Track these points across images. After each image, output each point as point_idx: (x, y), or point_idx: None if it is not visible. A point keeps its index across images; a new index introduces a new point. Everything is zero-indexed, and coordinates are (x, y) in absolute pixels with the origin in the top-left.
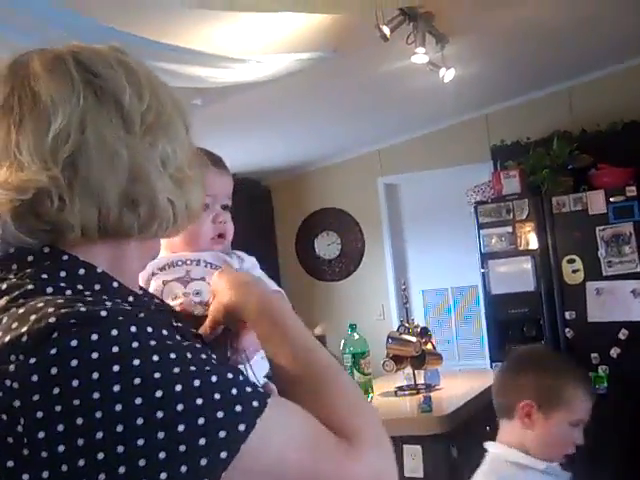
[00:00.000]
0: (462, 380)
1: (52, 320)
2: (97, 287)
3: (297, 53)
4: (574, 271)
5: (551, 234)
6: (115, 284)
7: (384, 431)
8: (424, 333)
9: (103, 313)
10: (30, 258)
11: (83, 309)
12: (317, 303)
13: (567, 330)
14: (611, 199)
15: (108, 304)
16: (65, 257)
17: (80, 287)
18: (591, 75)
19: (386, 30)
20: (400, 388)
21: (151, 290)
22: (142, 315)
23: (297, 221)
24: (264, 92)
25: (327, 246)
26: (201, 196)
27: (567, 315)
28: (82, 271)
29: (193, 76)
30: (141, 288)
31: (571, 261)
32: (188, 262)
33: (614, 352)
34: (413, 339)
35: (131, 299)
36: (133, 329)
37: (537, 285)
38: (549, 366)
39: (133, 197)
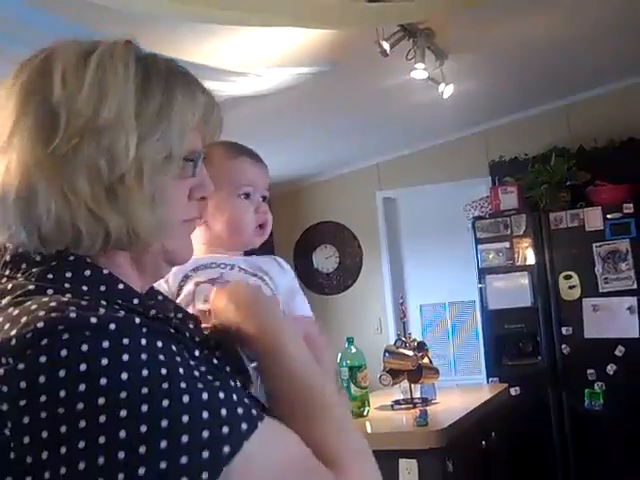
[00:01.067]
0: (458, 395)
1: (40, 325)
2: (102, 288)
3: (297, 67)
4: (571, 287)
5: (548, 250)
6: (121, 286)
7: (375, 466)
8: (421, 347)
9: (93, 320)
10: (38, 258)
11: (73, 315)
12: (315, 316)
13: (563, 346)
14: (608, 216)
15: (102, 310)
16: (71, 257)
17: (85, 288)
18: (589, 92)
19: (386, 46)
20: (397, 402)
21: (184, 293)
22: (137, 322)
23: (295, 234)
24: (264, 105)
25: (325, 259)
26: (152, 220)
27: (564, 331)
28: (88, 272)
29: None
30: (155, 294)
31: (568, 277)
32: (222, 265)
33: (610, 369)
34: (410, 353)
35: (136, 302)
36: (125, 341)
37: (534, 301)
38: None
39: (25, 213)
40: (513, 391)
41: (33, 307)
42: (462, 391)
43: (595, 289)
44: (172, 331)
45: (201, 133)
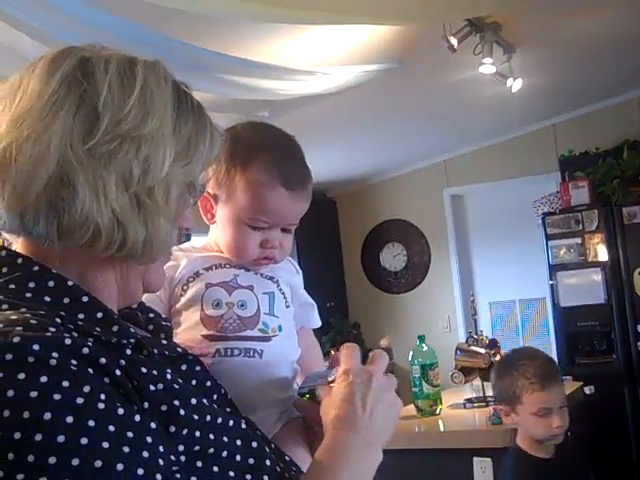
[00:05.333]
0: None
1: None
2: (66, 300)
3: (364, 65)
4: None
5: (622, 245)
6: (85, 298)
7: None
8: (493, 345)
9: (36, 348)
10: (5, 270)
11: (17, 340)
12: (383, 315)
13: (639, 344)
14: None
15: (48, 333)
16: (36, 268)
17: (48, 299)
18: None
19: (454, 41)
20: (469, 400)
21: (192, 292)
22: (57, 356)
23: (363, 233)
24: (331, 104)
25: (393, 258)
26: (166, 236)
27: (639, 328)
28: (52, 283)
29: (263, 89)
30: (138, 307)
31: None
32: (237, 267)
33: None
34: (482, 351)
35: (100, 315)
36: (43, 379)
37: (607, 297)
38: (503, 367)
39: (52, 201)
40: (587, 390)
41: None
42: None
43: None
44: (119, 358)
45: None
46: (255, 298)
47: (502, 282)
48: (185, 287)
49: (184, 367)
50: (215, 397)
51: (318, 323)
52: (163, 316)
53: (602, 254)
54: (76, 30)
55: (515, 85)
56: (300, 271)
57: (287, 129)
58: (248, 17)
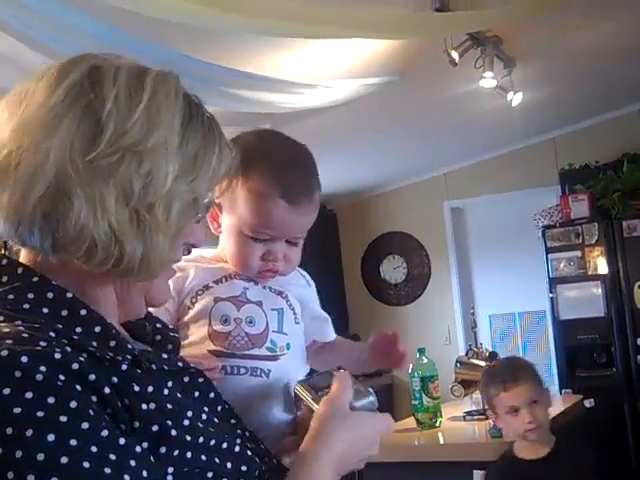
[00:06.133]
0: None
1: None
2: (64, 313)
3: (365, 78)
4: None
5: (622, 258)
6: (84, 312)
7: None
8: (493, 357)
9: (24, 360)
10: (5, 279)
11: (4, 353)
12: (382, 327)
13: (639, 357)
14: None
15: (38, 347)
16: (36, 279)
17: (46, 311)
18: None
19: (455, 55)
20: (469, 413)
21: (200, 305)
22: (74, 367)
23: (363, 245)
24: (332, 117)
25: (393, 270)
26: (165, 253)
27: (639, 341)
28: (51, 295)
29: (264, 101)
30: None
31: None
32: (247, 278)
33: None
34: (482, 364)
35: (97, 329)
36: (28, 395)
37: (607, 310)
38: (482, 379)
39: (48, 212)
40: (587, 403)
41: None
42: None
43: None
44: (113, 374)
45: (218, 183)
46: (264, 315)
47: (502, 295)
48: (194, 300)
49: (186, 379)
50: (219, 409)
51: (332, 336)
52: (170, 327)
53: (602, 267)
54: (77, 43)
55: (515, 99)
56: (312, 283)
57: None
58: (249, 31)
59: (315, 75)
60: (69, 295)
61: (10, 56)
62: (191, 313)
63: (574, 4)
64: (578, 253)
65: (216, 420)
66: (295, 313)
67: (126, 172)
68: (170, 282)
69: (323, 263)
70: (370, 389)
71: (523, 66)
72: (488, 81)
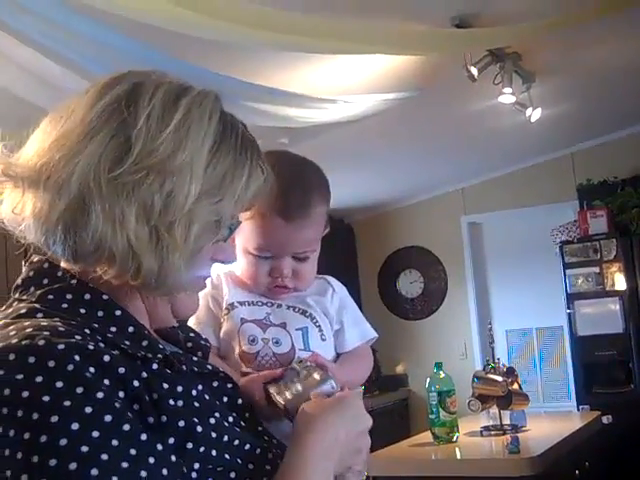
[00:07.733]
0: (548, 422)
1: (12, 358)
2: (100, 313)
3: (384, 93)
4: None
5: None
6: (118, 312)
7: None
8: (510, 373)
9: (60, 346)
10: (45, 281)
11: (41, 342)
12: (399, 341)
13: None
14: None
15: (73, 340)
16: (74, 281)
17: (83, 311)
18: None
19: (474, 71)
20: (486, 428)
21: (229, 325)
22: (79, 359)
23: (380, 259)
24: (350, 131)
25: (410, 284)
26: (181, 273)
27: None
28: (88, 296)
29: (283, 116)
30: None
31: None
32: (269, 304)
33: None
34: (500, 379)
35: (131, 329)
36: (59, 384)
37: (626, 327)
38: None
39: (68, 224)
40: (605, 419)
41: (12, 333)
42: (551, 418)
43: None
44: (143, 370)
45: (246, 205)
46: (288, 335)
47: (519, 310)
48: (225, 315)
49: (215, 384)
50: (247, 415)
51: (373, 334)
52: (203, 336)
53: (620, 283)
54: (101, 58)
55: (534, 115)
56: (338, 289)
57: (306, 156)
58: (272, 46)
59: (335, 90)
60: (105, 297)
61: (37, 72)
62: (224, 327)
63: (591, 20)
64: (596, 269)
65: (243, 423)
66: (322, 330)
67: (148, 190)
68: (200, 295)
69: (340, 277)
70: (329, 374)
71: (542, 82)
72: (507, 97)
